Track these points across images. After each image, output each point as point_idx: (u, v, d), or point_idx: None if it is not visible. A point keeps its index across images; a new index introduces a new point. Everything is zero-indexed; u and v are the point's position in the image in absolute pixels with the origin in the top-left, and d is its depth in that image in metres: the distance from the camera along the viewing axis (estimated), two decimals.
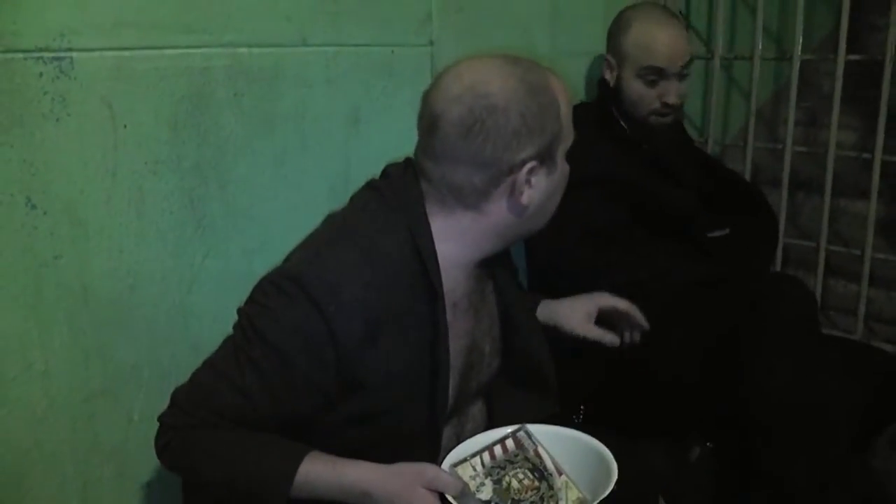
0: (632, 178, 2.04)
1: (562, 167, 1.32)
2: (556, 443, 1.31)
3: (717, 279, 1.95)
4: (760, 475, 1.71)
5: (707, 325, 1.83)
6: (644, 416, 1.84)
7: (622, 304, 1.68)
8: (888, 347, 2.29)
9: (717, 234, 2.10)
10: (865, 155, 2.36)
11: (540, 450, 1.29)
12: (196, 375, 1.31)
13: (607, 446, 1.31)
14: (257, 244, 1.72)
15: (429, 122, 1.26)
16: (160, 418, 1.30)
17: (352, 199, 1.39)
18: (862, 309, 2.39)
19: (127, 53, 1.49)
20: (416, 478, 1.17)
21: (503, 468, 1.27)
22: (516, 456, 1.29)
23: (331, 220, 1.35)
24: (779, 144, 2.55)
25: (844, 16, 2.32)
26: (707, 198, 2.17)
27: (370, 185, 1.37)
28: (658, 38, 2.04)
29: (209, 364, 1.30)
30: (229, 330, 1.39)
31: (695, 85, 2.74)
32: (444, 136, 1.23)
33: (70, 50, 1.43)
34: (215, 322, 1.67)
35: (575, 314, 1.65)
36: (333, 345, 1.19)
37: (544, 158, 1.26)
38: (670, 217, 2.05)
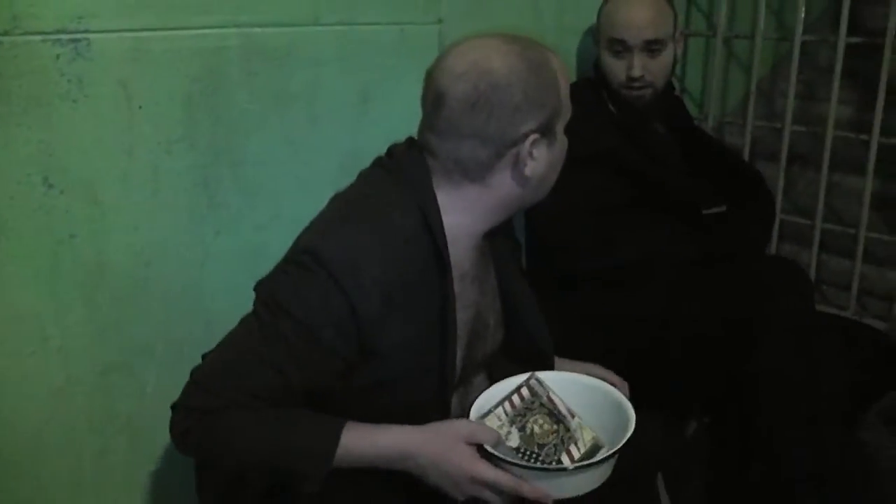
0: (627, 155, 2.07)
1: (561, 140, 1.36)
2: (569, 389, 1.39)
3: (714, 257, 1.98)
4: (757, 450, 1.77)
5: (707, 305, 1.87)
6: (643, 388, 1.89)
7: (612, 377, 1.59)
8: (878, 323, 2.34)
9: (713, 210, 2.13)
10: (863, 136, 2.38)
11: (552, 395, 1.35)
12: (217, 356, 1.30)
13: None
14: (268, 220, 1.75)
15: (434, 99, 1.29)
16: (177, 404, 1.28)
17: (359, 176, 1.41)
18: (855, 285, 2.43)
19: (143, 34, 1.51)
20: (454, 434, 1.24)
21: (524, 416, 1.33)
22: (532, 403, 1.34)
23: (340, 198, 1.37)
24: (777, 123, 2.56)
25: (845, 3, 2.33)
26: (704, 175, 2.20)
27: (377, 164, 1.40)
28: (621, 10, 2.06)
29: (232, 344, 1.30)
30: (242, 305, 1.41)
31: (695, 62, 2.76)
32: (450, 112, 1.27)
33: (87, 32, 1.44)
34: (228, 297, 1.69)
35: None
36: (354, 318, 1.22)
37: (545, 131, 1.30)
38: (667, 194, 2.08)
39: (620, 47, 2.05)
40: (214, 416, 1.24)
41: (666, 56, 2.08)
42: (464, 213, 1.34)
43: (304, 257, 1.24)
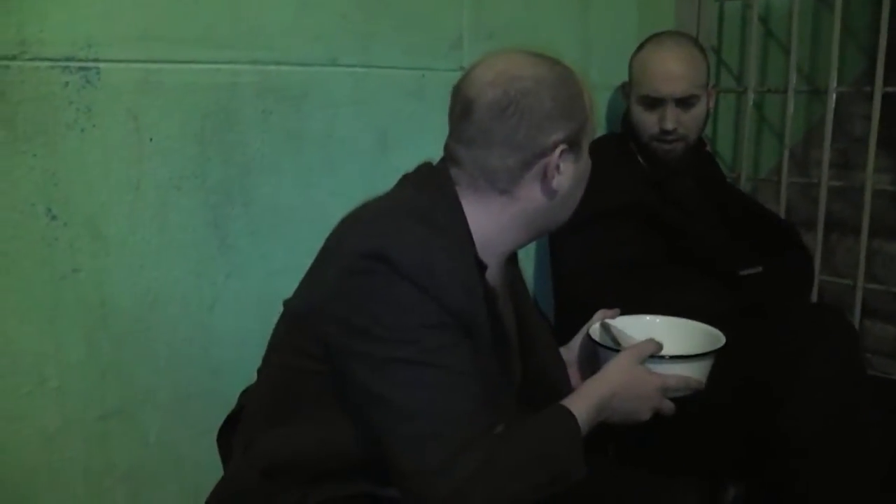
0: (659, 208, 2.00)
1: (586, 157, 1.34)
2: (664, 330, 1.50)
3: (751, 313, 1.89)
4: None
5: (744, 358, 1.76)
6: (677, 452, 1.77)
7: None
8: None
9: (749, 271, 2.04)
10: None
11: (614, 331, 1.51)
12: (408, 426, 1.13)
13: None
14: (280, 266, 1.68)
15: (462, 108, 1.27)
16: (422, 481, 1.11)
17: (388, 192, 1.35)
18: None
19: (154, 66, 1.48)
20: (630, 361, 1.35)
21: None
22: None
23: (377, 203, 1.31)
24: (813, 179, 2.50)
25: (882, 44, 2.26)
26: (740, 235, 2.12)
27: (403, 179, 1.37)
28: (653, 67, 2.03)
29: (402, 408, 1.13)
30: (252, 355, 1.36)
31: (726, 120, 2.71)
32: (479, 119, 1.25)
33: (97, 60, 1.42)
34: (237, 346, 1.63)
35: None
36: (444, 310, 1.14)
37: (573, 144, 1.28)
38: (701, 250, 2.00)
39: (653, 101, 2.01)
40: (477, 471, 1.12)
41: (699, 109, 2.04)
42: (488, 225, 1.29)
43: (377, 265, 1.14)
